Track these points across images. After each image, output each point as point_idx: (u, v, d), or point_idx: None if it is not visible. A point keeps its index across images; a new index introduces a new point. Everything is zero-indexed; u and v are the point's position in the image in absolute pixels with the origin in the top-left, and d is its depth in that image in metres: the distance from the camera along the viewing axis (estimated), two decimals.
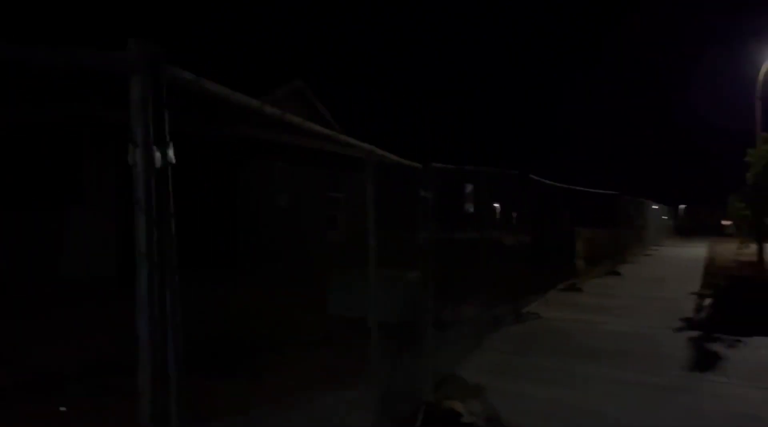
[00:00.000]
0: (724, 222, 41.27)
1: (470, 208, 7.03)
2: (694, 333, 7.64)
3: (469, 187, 6.87)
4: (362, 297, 5.43)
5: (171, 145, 1.29)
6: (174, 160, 1.29)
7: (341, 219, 17.85)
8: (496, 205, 9.29)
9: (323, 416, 4.46)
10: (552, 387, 5.42)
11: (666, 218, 40.45)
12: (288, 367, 5.71)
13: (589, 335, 7.74)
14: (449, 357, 6.08)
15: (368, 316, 4.91)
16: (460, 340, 6.67)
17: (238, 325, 6.64)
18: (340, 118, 20.26)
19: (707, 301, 10.27)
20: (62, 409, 4.39)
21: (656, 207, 33.08)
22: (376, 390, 4.47)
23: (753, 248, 15.81)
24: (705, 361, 6.28)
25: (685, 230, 46.60)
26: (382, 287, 4.49)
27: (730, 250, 23.34)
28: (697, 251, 24.86)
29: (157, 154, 1.24)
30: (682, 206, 61.99)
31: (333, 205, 17.65)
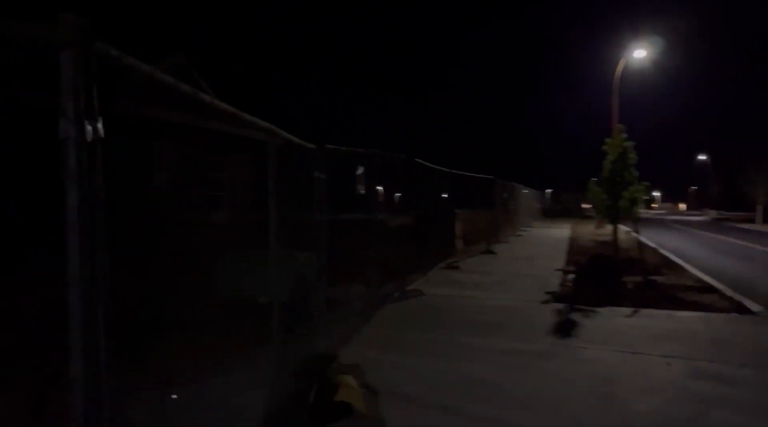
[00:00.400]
0: (584, 205, 45.28)
1: (361, 189, 7.22)
2: (560, 305, 8.43)
3: (360, 169, 7.04)
4: (254, 278, 5.43)
5: (100, 119, 1.28)
6: (103, 134, 1.29)
7: (226, 200, 17.39)
8: (379, 187, 9.55)
9: (218, 395, 4.44)
10: (436, 358, 5.77)
11: (535, 201, 43.48)
12: (177, 349, 5.57)
13: (468, 309, 8.27)
14: (341, 334, 6.26)
15: (261, 295, 4.94)
16: (350, 317, 6.88)
17: (116, 308, 6.34)
18: (223, 97, 19.56)
19: (570, 276, 11.33)
20: None
21: (526, 191, 35.47)
22: (269, 368, 4.54)
23: (609, 228, 17.54)
24: (569, 329, 6.98)
25: (552, 212, 50.45)
26: (277, 267, 4.54)
27: (590, 231, 25.73)
28: (562, 231, 27.10)
29: (89, 128, 1.23)
30: (548, 191, 66.95)
31: (217, 186, 17.13)
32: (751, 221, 44.42)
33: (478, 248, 16.74)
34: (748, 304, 8.59)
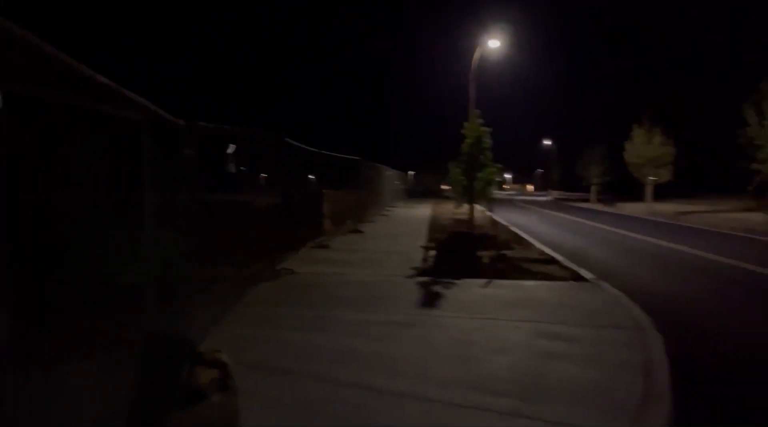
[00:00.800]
0: (443, 186, 47.72)
1: (232, 168, 7.12)
2: (423, 279, 8.98)
3: (231, 148, 6.93)
4: (121, 259, 5.21)
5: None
6: (2, 105, 1.26)
7: (74, 178, 16.03)
8: (249, 167, 9.43)
9: (86, 380, 4.27)
10: (308, 332, 5.95)
11: (398, 182, 44.94)
12: (36, 334, 5.21)
13: (337, 285, 8.53)
14: (214, 313, 6.21)
15: (129, 278, 4.77)
16: (223, 297, 6.81)
17: None
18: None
19: (432, 252, 12.01)
20: None
21: (390, 172, 36.56)
22: (139, 351, 4.42)
23: (466, 207, 18.73)
24: (432, 300, 7.49)
25: (414, 193, 52.49)
26: (146, 247, 4.42)
27: (449, 210, 27.19)
28: (424, 211, 28.39)
29: None
30: (411, 172, 69.43)
31: (62, 162, 15.72)
32: (586, 200, 49.60)
33: (346, 227, 17.10)
34: (583, 273, 9.75)
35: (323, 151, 14.58)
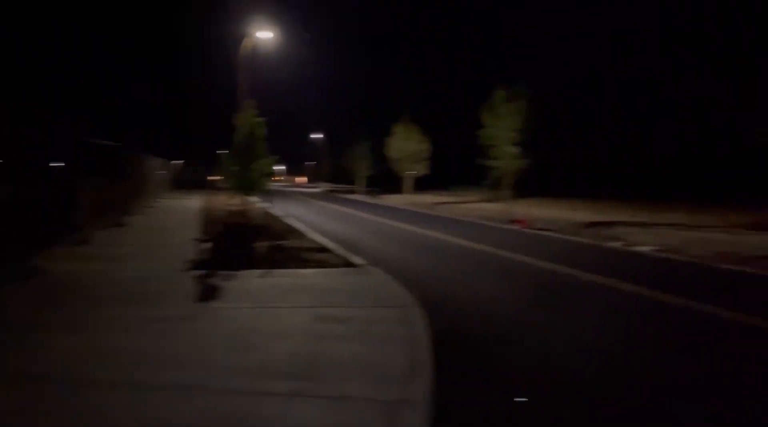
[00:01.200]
0: (213, 177, 46.34)
1: None
2: (199, 272, 8.74)
3: None
4: None
5: None
6: None
7: None
8: None
9: None
10: (76, 334, 5.46)
11: (165, 172, 42.27)
12: None
13: (104, 282, 7.89)
14: None
15: None
16: None
17: None
18: None
19: (207, 244, 11.71)
20: None
21: (156, 161, 34.24)
22: None
23: (240, 199, 18.56)
24: (209, 292, 7.36)
25: (182, 184, 49.86)
26: None
27: (222, 201, 26.53)
28: (195, 203, 27.26)
29: None
30: (179, 161, 65.76)
31: None
32: (354, 192, 52.49)
33: (108, 221, 15.65)
34: (353, 259, 10.45)
35: (75, 136, 13.10)
